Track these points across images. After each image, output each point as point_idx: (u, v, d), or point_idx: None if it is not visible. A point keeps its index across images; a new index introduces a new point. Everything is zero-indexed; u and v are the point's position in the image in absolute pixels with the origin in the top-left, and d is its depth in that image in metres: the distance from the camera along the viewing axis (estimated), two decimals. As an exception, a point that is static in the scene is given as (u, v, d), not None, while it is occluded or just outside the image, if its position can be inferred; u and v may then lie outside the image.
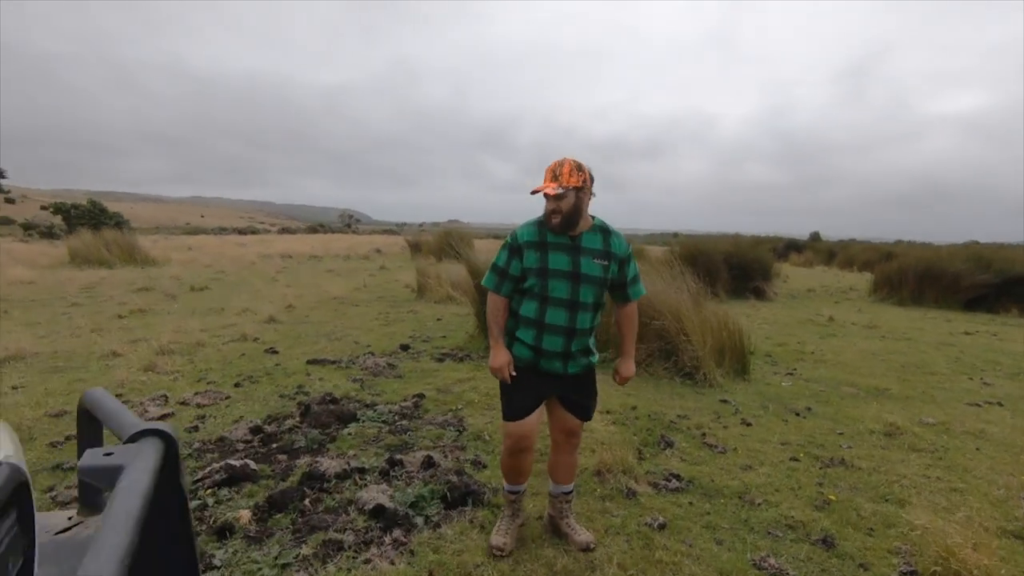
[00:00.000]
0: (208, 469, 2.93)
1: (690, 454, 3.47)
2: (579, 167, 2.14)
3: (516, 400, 2.26)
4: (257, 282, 12.69)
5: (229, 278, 13.47)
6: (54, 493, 2.74)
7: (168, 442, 0.82)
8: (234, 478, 2.89)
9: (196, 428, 3.64)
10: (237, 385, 4.63)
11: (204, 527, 2.48)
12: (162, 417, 3.80)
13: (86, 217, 24.14)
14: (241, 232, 53.66)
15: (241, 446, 3.40)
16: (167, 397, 4.23)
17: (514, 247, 2.24)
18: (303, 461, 3.14)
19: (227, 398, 4.28)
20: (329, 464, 3.02)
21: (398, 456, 3.19)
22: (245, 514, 2.57)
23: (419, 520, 2.58)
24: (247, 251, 22.03)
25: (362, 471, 3.03)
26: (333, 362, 5.44)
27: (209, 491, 2.78)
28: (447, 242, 18.56)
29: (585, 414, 2.36)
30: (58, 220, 26.03)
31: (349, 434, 3.58)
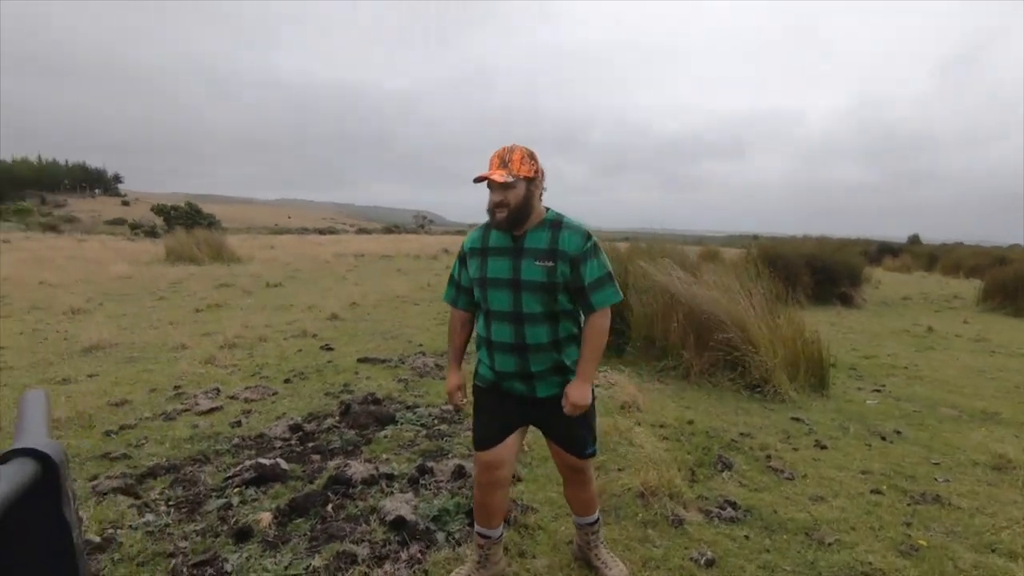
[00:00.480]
0: (239, 467, 2.91)
1: (751, 479, 3.10)
2: (531, 155, 1.88)
3: (480, 426, 2.03)
4: (328, 280, 13.13)
5: (303, 275, 14.04)
6: (96, 482, 2.80)
7: (46, 465, 0.68)
8: (263, 477, 2.85)
9: (239, 423, 3.67)
10: (287, 381, 4.69)
11: (225, 527, 2.43)
12: (210, 411, 3.88)
13: (183, 218, 26.10)
14: (321, 232, 56.36)
15: (279, 444, 3.39)
16: (219, 390, 4.33)
17: (461, 255, 2.06)
18: (334, 463, 3.07)
19: (274, 394, 4.33)
20: (358, 468, 2.92)
21: (429, 463, 3.04)
22: (266, 517, 2.50)
23: (440, 536, 2.41)
24: (323, 250, 22.99)
25: (390, 477, 2.91)
26: (383, 361, 5.42)
27: (236, 490, 2.74)
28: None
29: (574, 446, 2.00)
30: (160, 221, 28.28)
31: (385, 436, 3.48)
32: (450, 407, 4.03)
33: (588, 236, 1.88)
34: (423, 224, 78.13)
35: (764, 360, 4.71)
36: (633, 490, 2.82)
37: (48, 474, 0.64)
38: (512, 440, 2.00)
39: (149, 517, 2.51)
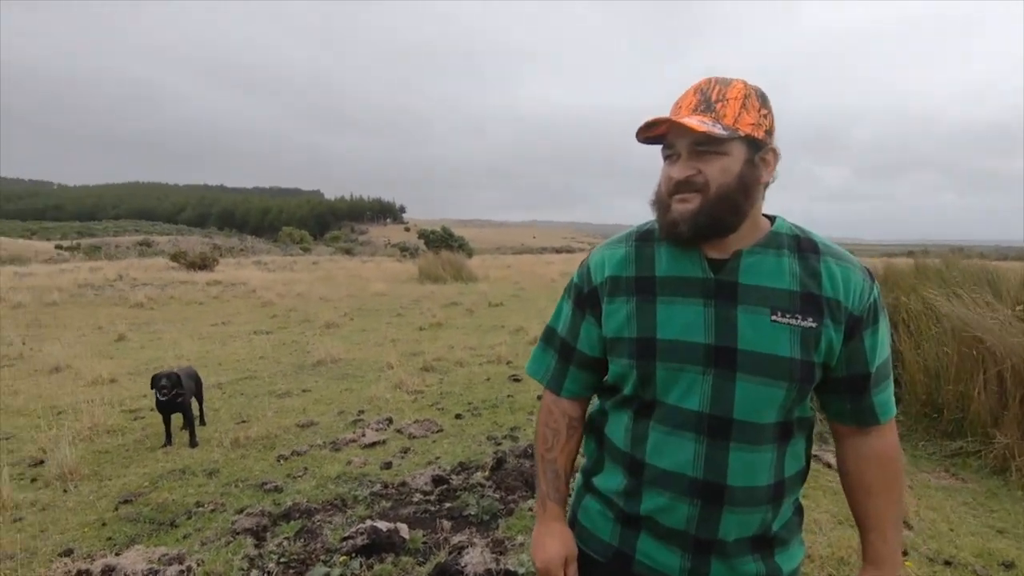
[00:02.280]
0: (356, 528, 2.59)
1: None
2: (762, 98, 0.94)
3: None
4: (544, 300, 13.14)
5: (526, 295, 14.35)
6: (237, 519, 2.77)
7: None
8: (375, 546, 2.47)
9: (390, 465, 3.44)
10: (458, 416, 4.41)
11: (312, 610, 2.09)
12: (373, 445, 3.76)
13: (439, 240, 29.62)
14: (557, 251, 58.93)
15: (417, 498, 3.03)
16: (391, 421, 4.24)
17: (582, 291, 1.08)
18: (457, 539, 2.55)
19: (439, 431, 4.06)
20: (475, 557, 2.35)
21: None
22: (353, 607, 2.09)
23: None
24: (552, 269, 23.60)
25: (511, 577, 2.26)
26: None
27: (343, 558, 2.41)
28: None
29: None
30: (422, 243, 32.63)
31: (530, 510, 2.86)
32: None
33: (870, 275, 0.98)
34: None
35: None
36: None
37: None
38: None
39: (254, 575, 2.31)
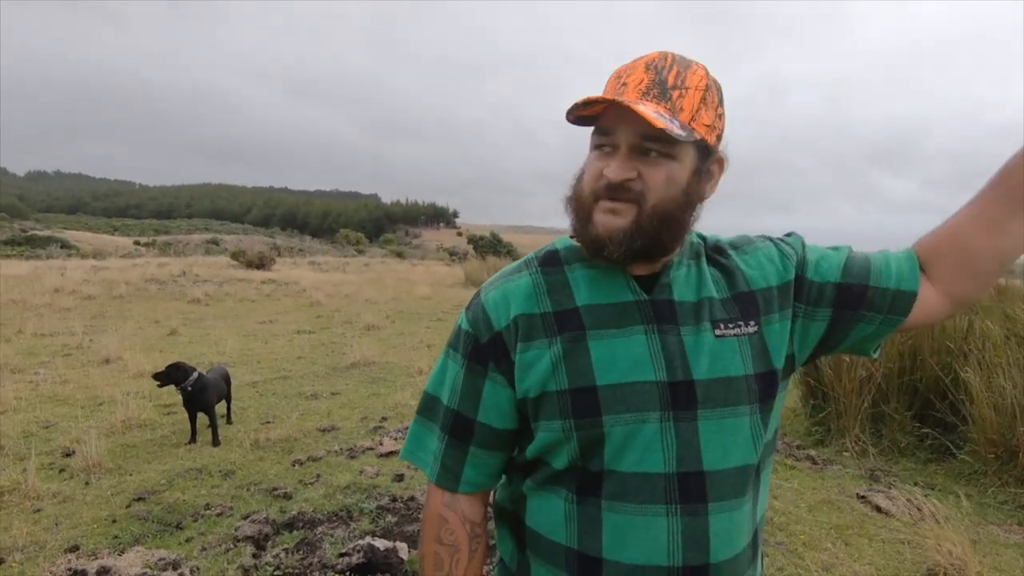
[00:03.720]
0: (354, 545, 2.50)
1: None
2: (720, 93, 0.76)
3: None
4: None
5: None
6: (240, 525, 2.73)
7: None
8: (370, 565, 2.37)
9: (402, 478, 3.34)
10: (480, 429, 4.28)
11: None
12: (389, 454, 3.68)
13: (487, 246, 29.75)
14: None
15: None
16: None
17: (481, 340, 0.80)
18: (457, 565, 2.42)
19: (458, 444, 3.94)
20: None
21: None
22: (336, 633, 1.98)
23: None
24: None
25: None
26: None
27: (337, 575, 2.32)
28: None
29: None
30: (471, 248, 32.87)
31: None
32: None
33: (770, 238, 0.88)
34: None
35: None
36: None
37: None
38: None
39: (244, 588, 2.25)
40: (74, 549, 2.51)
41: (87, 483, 3.19)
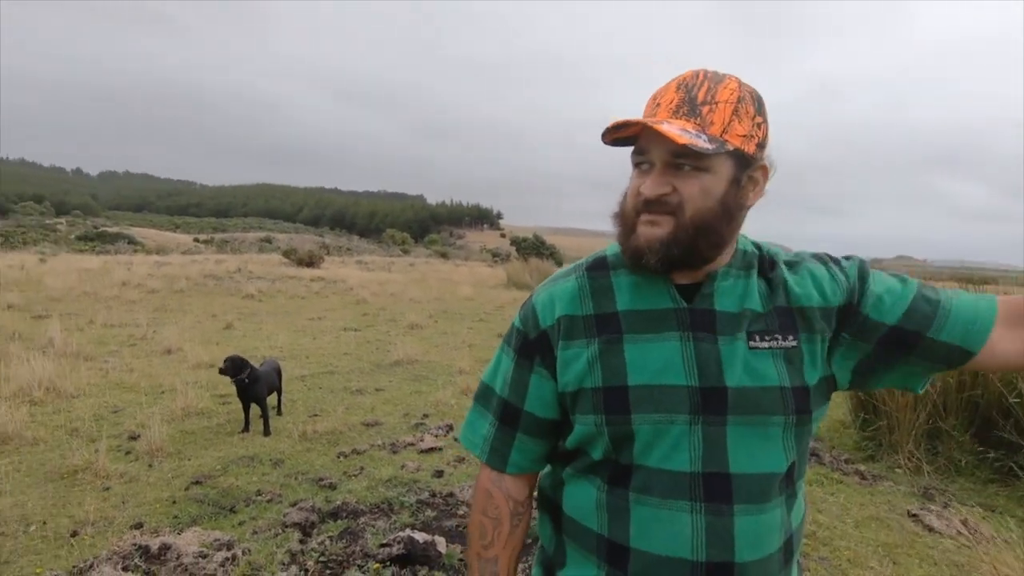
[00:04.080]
0: (394, 536, 2.58)
1: None
2: (758, 103, 0.78)
3: None
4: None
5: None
6: (289, 511, 2.86)
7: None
8: (410, 557, 2.45)
9: (441, 474, 3.42)
10: (519, 429, 4.33)
11: (338, 615, 2.10)
12: (429, 451, 3.77)
13: (530, 248, 29.80)
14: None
15: (463, 511, 2.98)
16: (452, 427, 4.24)
17: (530, 336, 0.88)
18: (493, 561, 2.47)
19: (497, 443, 4.00)
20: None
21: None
22: (376, 619, 2.07)
23: None
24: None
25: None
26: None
27: (377, 566, 2.41)
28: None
29: None
30: (513, 250, 32.99)
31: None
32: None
33: (829, 257, 0.87)
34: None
35: None
36: None
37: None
38: None
39: (291, 572, 2.37)
40: (138, 526, 2.70)
41: (150, 465, 3.41)
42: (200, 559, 2.36)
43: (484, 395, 0.95)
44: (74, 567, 2.32)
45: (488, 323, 10.45)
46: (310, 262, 21.29)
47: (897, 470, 3.73)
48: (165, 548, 2.41)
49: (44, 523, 2.69)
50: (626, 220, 0.82)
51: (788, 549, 0.83)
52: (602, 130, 0.76)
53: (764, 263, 0.86)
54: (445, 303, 13.28)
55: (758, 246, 0.89)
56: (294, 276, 17.35)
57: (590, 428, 0.82)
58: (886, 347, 0.82)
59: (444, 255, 48.36)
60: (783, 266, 0.86)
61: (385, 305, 12.32)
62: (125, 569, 2.27)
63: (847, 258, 0.88)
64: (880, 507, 3.13)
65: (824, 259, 0.87)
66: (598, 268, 0.89)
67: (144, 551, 2.39)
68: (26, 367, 4.79)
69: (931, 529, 2.87)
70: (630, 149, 0.82)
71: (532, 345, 0.87)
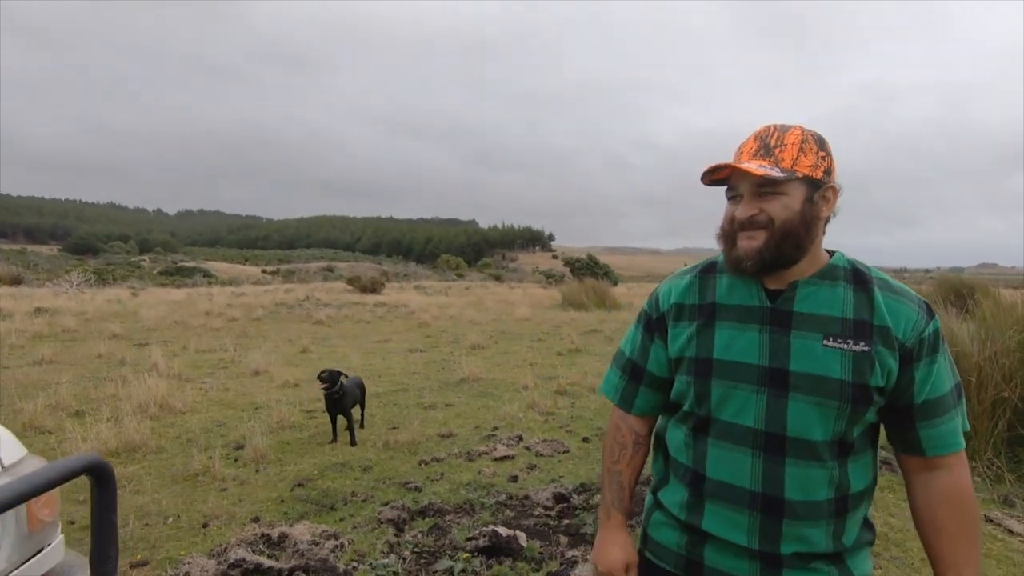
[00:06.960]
0: (480, 530, 2.83)
1: None
2: (820, 141, 1.02)
3: None
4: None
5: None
6: (382, 510, 3.16)
7: None
8: (496, 548, 2.69)
9: (516, 479, 3.65)
10: (585, 440, 4.51)
11: (436, 596, 2.36)
12: (503, 458, 4.01)
13: (584, 268, 29.91)
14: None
15: (538, 511, 3.20)
16: (521, 438, 4.48)
17: (650, 317, 1.20)
18: (572, 554, 2.67)
19: (565, 452, 4.19)
20: (586, 573, 2.44)
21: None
22: (470, 599, 2.31)
23: None
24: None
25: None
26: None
27: (466, 555, 2.66)
28: (946, 292, 14.04)
29: None
30: (567, 270, 33.15)
31: (646, 536, 2.87)
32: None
33: (929, 309, 1.01)
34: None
35: None
36: None
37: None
38: None
39: (391, 559, 2.65)
40: (256, 520, 3.07)
41: (257, 470, 3.82)
42: (313, 546, 2.69)
43: (619, 358, 1.26)
44: (211, 551, 2.70)
45: (546, 342, 10.66)
46: (372, 288, 22.21)
47: (976, 478, 3.67)
48: (283, 537, 2.75)
49: (178, 516, 3.11)
50: (728, 237, 1.06)
51: (842, 504, 1.03)
52: (700, 173, 1.05)
53: (858, 276, 1.04)
54: (503, 324, 13.59)
55: (852, 261, 1.07)
56: (358, 302, 18.17)
57: (683, 385, 1.11)
58: (891, 405, 1.03)
59: (498, 278, 49.09)
60: (876, 284, 1.03)
61: (446, 327, 12.75)
62: (253, 552, 2.61)
63: (932, 312, 1.01)
64: (956, 513, 3.12)
65: (920, 305, 1.01)
66: (709, 270, 1.16)
67: (267, 539, 2.75)
68: (143, 387, 5.40)
69: (1011, 532, 2.85)
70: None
71: (653, 323, 1.19)
